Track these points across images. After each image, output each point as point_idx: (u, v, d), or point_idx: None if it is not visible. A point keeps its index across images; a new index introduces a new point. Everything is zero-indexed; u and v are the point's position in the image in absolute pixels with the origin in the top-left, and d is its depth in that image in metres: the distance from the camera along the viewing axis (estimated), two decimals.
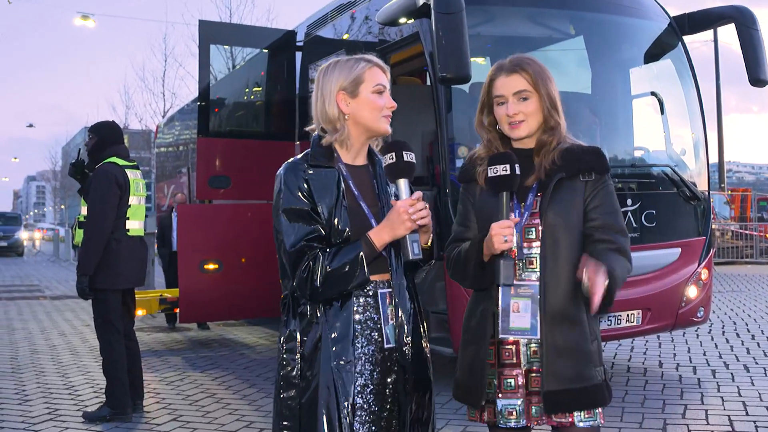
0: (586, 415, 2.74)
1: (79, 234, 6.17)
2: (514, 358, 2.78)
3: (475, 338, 2.84)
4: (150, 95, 45.87)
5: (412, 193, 2.65)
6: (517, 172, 2.69)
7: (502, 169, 2.69)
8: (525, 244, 2.79)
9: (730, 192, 29.26)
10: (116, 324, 6.13)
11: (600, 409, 2.78)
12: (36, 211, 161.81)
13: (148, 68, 64.68)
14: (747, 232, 24.12)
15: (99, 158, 6.22)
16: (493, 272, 2.70)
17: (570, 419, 2.73)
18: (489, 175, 2.73)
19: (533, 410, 2.76)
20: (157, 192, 18.85)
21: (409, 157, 2.64)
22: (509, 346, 2.79)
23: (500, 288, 2.77)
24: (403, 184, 2.65)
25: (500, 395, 2.79)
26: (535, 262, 2.78)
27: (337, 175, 2.73)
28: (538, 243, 2.78)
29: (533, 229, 2.79)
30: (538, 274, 2.77)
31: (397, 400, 2.74)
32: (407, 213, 2.57)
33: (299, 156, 2.81)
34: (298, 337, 2.71)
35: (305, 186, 2.69)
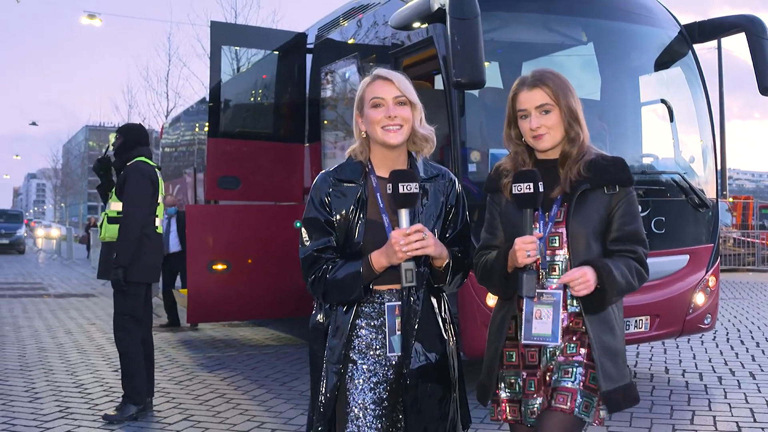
0: (584, 409, 2.81)
1: (110, 229, 6.28)
2: (537, 361, 2.88)
3: (494, 340, 2.96)
4: (153, 95, 45.96)
5: (414, 223, 2.75)
6: (541, 189, 2.76)
7: (526, 187, 2.75)
8: (548, 252, 2.87)
9: (732, 200, 29.32)
10: (141, 318, 6.29)
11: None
12: (36, 208, 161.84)
13: (152, 68, 64.84)
14: (749, 239, 24.16)
15: (127, 158, 6.39)
16: (516, 283, 2.79)
17: (570, 407, 2.79)
18: (513, 191, 2.79)
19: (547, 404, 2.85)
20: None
21: (406, 188, 2.71)
22: (534, 350, 2.89)
23: (524, 297, 2.85)
24: (404, 214, 2.73)
25: (524, 396, 2.89)
26: (558, 269, 2.86)
27: (359, 191, 2.89)
28: (561, 251, 2.86)
29: (557, 238, 2.86)
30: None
31: (403, 405, 2.87)
32: (399, 245, 2.67)
33: (332, 168, 2.99)
34: (322, 327, 2.94)
35: (326, 198, 2.90)
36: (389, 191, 2.73)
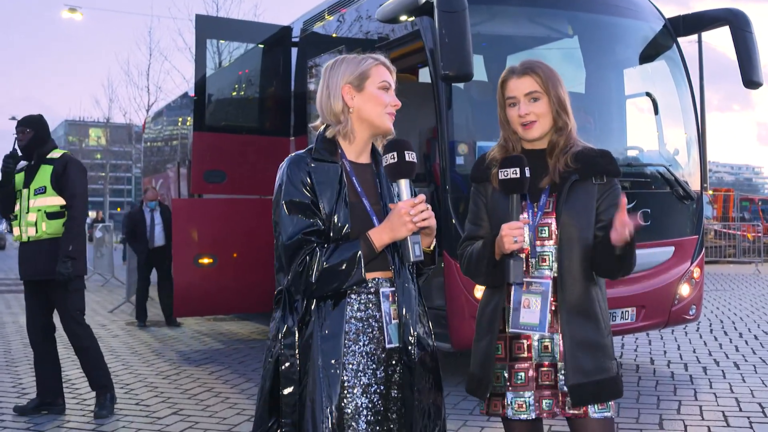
0: (600, 407, 2.83)
1: (52, 225, 6.00)
2: (526, 353, 2.87)
3: (486, 332, 2.93)
4: (134, 89, 45.86)
5: (413, 193, 2.65)
6: (527, 175, 2.78)
7: (512, 173, 2.78)
8: (538, 242, 2.88)
9: (712, 192, 29.56)
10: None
11: (612, 401, 2.88)
12: None
13: (132, 62, 64.55)
14: (730, 231, 24.38)
15: (43, 151, 6.18)
16: (504, 271, 2.78)
17: (584, 410, 2.82)
18: (500, 177, 2.82)
19: (544, 404, 2.84)
20: (144, 186, 18.79)
21: (410, 157, 2.62)
22: (521, 341, 2.88)
23: (512, 285, 2.86)
24: (404, 184, 2.63)
25: (510, 388, 2.87)
26: (547, 259, 2.87)
27: (340, 171, 2.73)
28: (550, 241, 2.87)
29: (546, 228, 2.88)
30: (551, 271, 2.86)
31: (403, 400, 2.71)
32: (408, 215, 2.55)
33: (303, 150, 2.80)
34: (296, 332, 2.68)
35: (308, 179, 2.68)
36: (392, 159, 2.61)
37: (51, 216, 6.04)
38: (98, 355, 6.19)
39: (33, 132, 6.19)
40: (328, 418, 2.58)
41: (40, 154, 6.18)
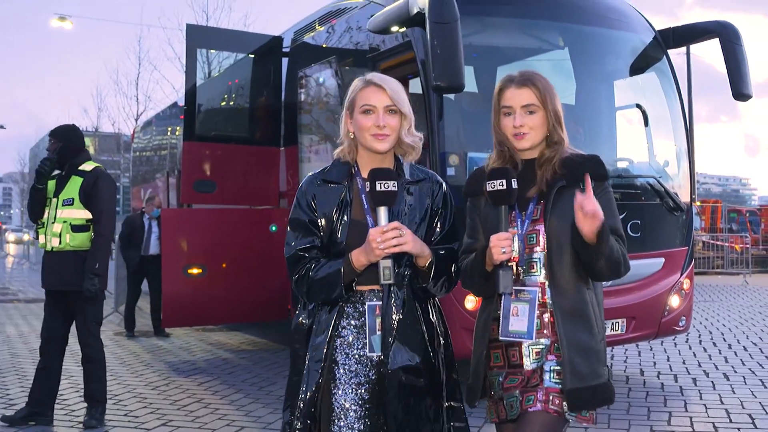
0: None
1: (77, 237, 5.96)
2: (519, 359, 2.90)
3: (480, 343, 2.98)
4: (123, 98, 45.66)
5: (390, 220, 2.77)
6: (514, 186, 2.79)
7: (499, 184, 2.80)
8: (526, 250, 2.90)
9: (700, 203, 29.68)
10: None
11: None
12: (2, 213, 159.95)
13: (122, 71, 64.40)
14: (718, 242, 24.47)
15: (76, 162, 6.13)
16: (495, 281, 2.80)
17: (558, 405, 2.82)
18: (488, 189, 2.83)
19: (526, 399, 2.85)
20: (133, 196, 18.74)
21: (384, 186, 2.74)
22: (515, 348, 2.90)
23: (502, 295, 2.87)
24: (382, 212, 2.76)
25: (504, 391, 2.91)
26: (535, 266, 2.90)
27: (343, 192, 2.93)
28: (539, 248, 2.89)
29: (534, 235, 2.90)
30: (541, 278, 2.88)
31: (384, 406, 2.84)
32: (375, 242, 2.71)
33: (318, 170, 3.05)
34: (305, 329, 2.97)
35: (312, 199, 2.95)
36: (368, 189, 2.78)
37: (76, 229, 6.01)
38: (103, 370, 6.17)
39: (60, 143, 6.13)
40: (302, 410, 2.87)
41: (72, 164, 6.13)
